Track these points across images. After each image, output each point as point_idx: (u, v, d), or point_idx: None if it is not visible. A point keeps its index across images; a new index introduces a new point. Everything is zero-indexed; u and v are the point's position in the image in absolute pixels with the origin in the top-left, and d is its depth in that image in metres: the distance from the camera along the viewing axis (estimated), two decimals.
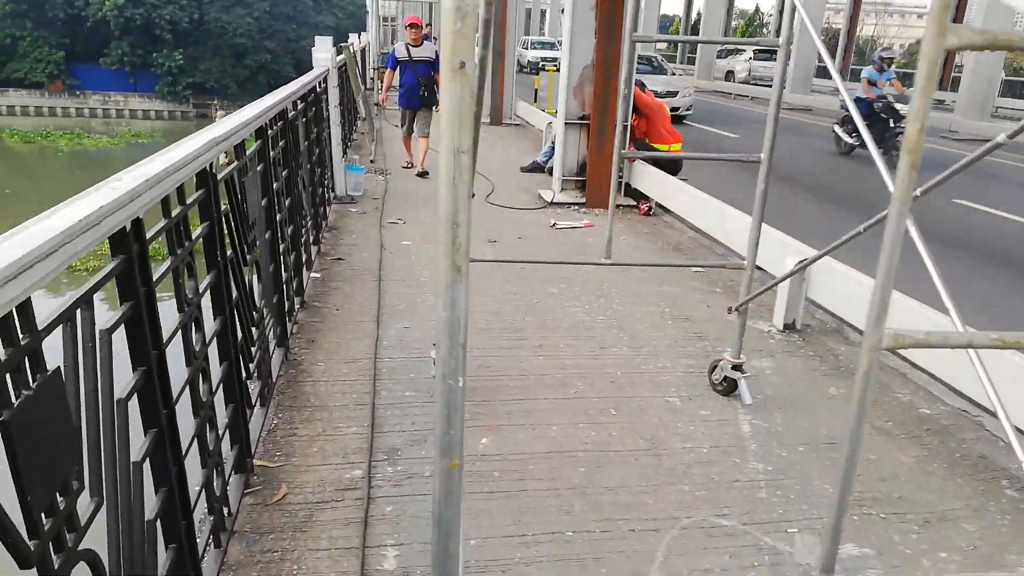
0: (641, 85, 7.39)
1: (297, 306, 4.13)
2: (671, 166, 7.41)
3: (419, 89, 7.81)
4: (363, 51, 14.14)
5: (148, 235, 1.66)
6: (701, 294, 4.86)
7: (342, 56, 8.37)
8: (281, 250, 3.56)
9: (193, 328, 2.05)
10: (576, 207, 7.04)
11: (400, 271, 5.03)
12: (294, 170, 4.18)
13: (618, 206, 7.36)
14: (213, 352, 2.30)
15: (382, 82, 9.00)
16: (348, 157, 8.08)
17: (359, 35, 12.83)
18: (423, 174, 8.19)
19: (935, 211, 8.65)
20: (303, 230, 4.45)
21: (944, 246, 6.98)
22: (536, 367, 3.65)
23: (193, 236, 2.10)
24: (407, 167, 8.57)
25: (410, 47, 7.80)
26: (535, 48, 32.99)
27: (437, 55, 7.77)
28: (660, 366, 3.73)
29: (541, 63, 32.04)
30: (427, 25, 14.68)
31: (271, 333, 3.31)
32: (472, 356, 3.71)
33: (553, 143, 8.60)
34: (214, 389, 2.24)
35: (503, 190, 7.60)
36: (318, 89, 5.88)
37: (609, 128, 6.96)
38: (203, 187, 2.25)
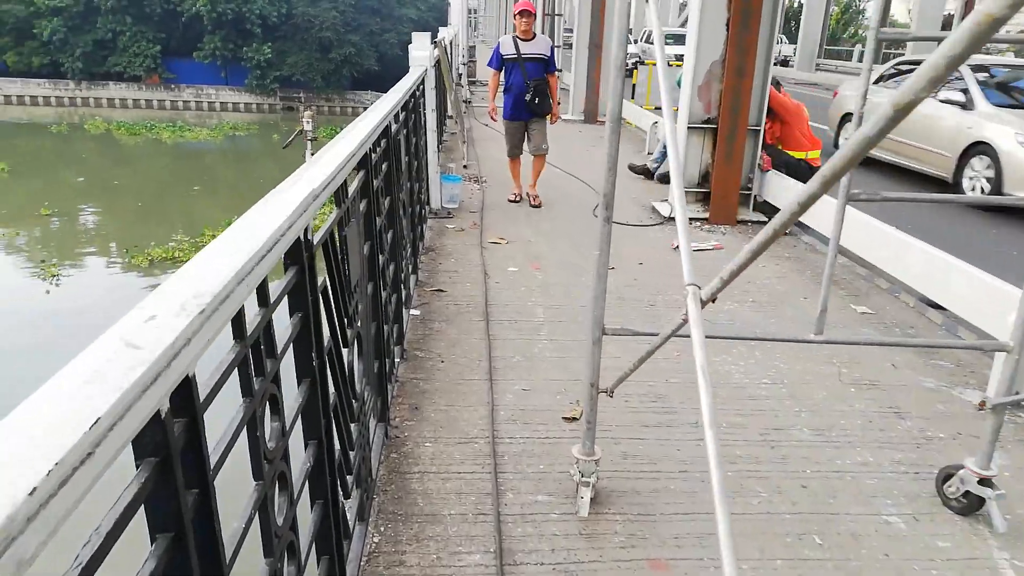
0: (776, 84, 6.40)
1: (397, 358, 3.43)
2: (806, 175, 6.41)
3: (528, 94, 6.12)
4: (450, 45, 13.50)
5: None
6: (878, 347, 3.92)
7: (435, 52, 7.67)
8: (383, 299, 2.86)
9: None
10: (699, 223, 6.14)
11: (510, 308, 4.27)
12: (396, 195, 3.46)
13: (747, 222, 6.46)
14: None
15: (470, 78, 8.24)
16: (442, 165, 7.40)
17: (447, 28, 12.14)
18: (536, 206, 6.57)
19: None
20: (403, 262, 3.75)
21: None
22: (697, 457, 2.83)
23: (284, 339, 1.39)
24: (515, 200, 6.66)
25: (519, 40, 6.10)
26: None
27: (553, 51, 6.38)
28: (860, 461, 2.85)
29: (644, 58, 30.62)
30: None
31: (371, 416, 2.60)
32: (610, 437, 2.92)
33: (665, 148, 7.72)
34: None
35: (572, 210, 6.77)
36: (416, 93, 5.19)
37: (739, 134, 6.03)
38: (296, 263, 1.54)
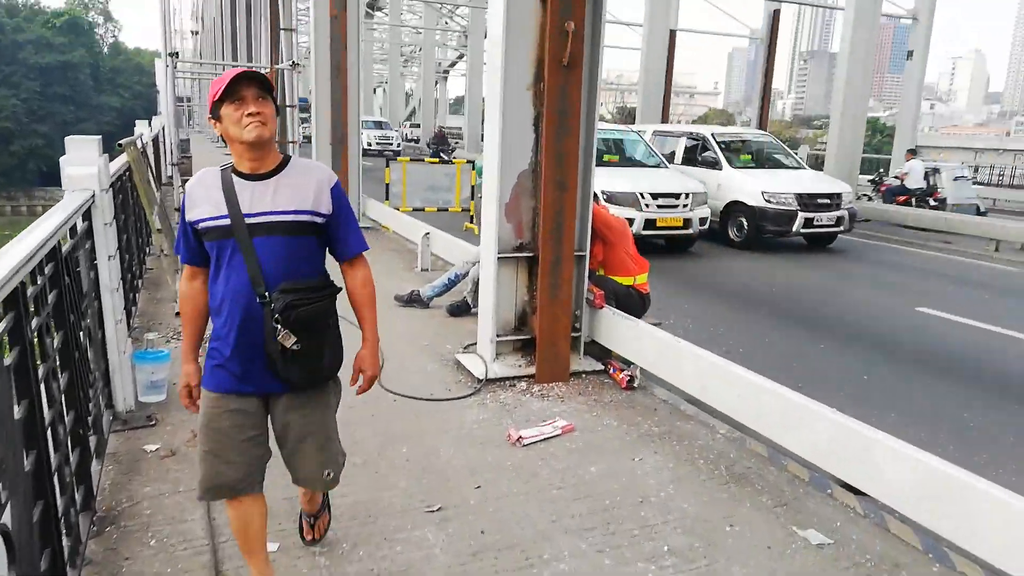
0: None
1: None
2: (637, 306, 5.09)
3: (274, 327, 2.09)
4: (156, 141, 10.81)
5: None
6: None
7: (123, 159, 5.29)
8: None
9: None
10: (524, 384, 4.44)
11: None
12: None
13: (581, 374, 4.91)
14: None
15: (184, 177, 5.42)
16: (137, 332, 4.95)
17: (149, 121, 9.54)
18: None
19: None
20: None
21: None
22: None
23: None
24: None
25: (239, 181, 2.10)
26: (367, 127, 29.86)
27: (340, 200, 2.24)
28: None
29: (376, 145, 29.41)
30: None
31: None
32: None
33: (454, 277, 6.02)
34: None
35: (390, 351, 4.85)
36: (74, 235, 2.93)
37: (565, 262, 4.51)
38: None
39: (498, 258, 4.48)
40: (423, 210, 10.99)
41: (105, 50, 51.89)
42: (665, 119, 20.16)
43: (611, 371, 4.61)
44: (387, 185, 10.61)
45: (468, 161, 11.47)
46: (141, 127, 9.06)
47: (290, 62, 11.08)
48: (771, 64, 26.13)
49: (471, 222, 11.30)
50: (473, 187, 11.16)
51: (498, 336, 4.58)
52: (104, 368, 3.51)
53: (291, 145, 11.53)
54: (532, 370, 4.52)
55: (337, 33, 9.45)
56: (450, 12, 36.75)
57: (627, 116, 37.61)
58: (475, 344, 5.04)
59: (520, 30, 4.27)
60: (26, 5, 47.45)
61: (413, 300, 5.99)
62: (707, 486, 3.30)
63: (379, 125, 33.59)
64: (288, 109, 11.42)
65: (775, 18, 25.61)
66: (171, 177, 10.83)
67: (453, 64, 47.23)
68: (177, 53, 10.35)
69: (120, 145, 5.27)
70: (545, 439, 3.68)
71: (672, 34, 19.60)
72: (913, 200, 14.55)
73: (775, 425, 3.40)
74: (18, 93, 45.50)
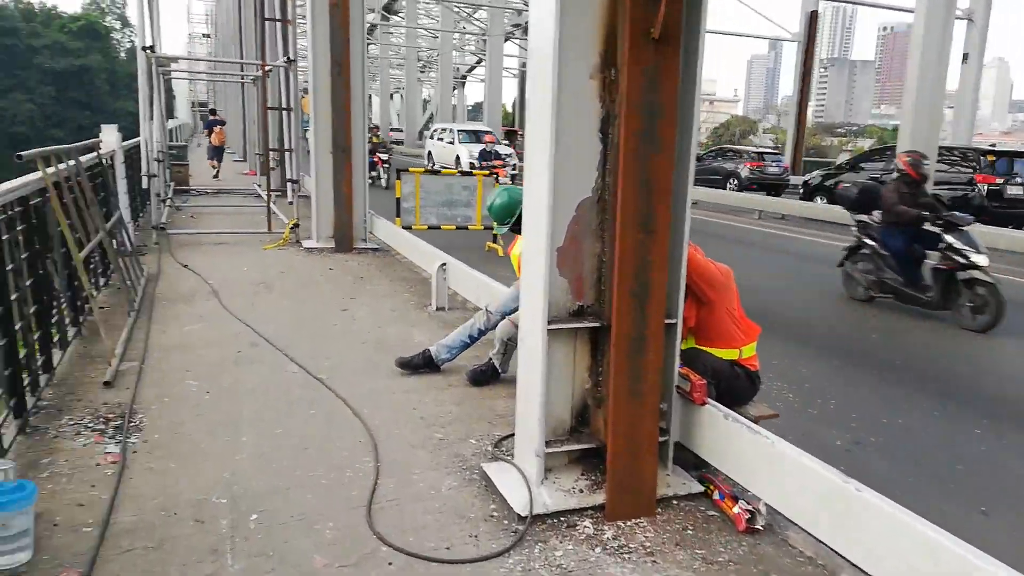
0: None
1: None
2: (745, 390, 3.53)
3: None
4: (133, 153, 9.38)
5: None
6: None
7: (36, 175, 3.84)
8: None
9: None
10: (589, 521, 2.90)
11: None
12: None
13: (670, 500, 3.23)
14: None
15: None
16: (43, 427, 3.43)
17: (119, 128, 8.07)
18: None
19: None
20: None
21: None
22: None
23: None
24: None
25: None
26: (464, 140, 21.50)
27: None
28: None
29: (479, 165, 16.59)
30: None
31: None
32: None
33: (476, 333, 4.49)
34: None
35: (389, 455, 3.34)
36: None
37: (652, 337, 2.95)
38: None
39: (548, 330, 2.92)
40: (439, 228, 9.50)
41: (122, 55, 51.04)
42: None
43: (716, 496, 3.05)
44: (398, 200, 9.11)
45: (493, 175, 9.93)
46: (108, 133, 7.58)
47: (285, 58, 9.60)
48: (808, 67, 24.48)
49: (494, 241, 9.79)
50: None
51: (548, 445, 3.02)
52: None
53: (287, 154, 10.06)
54: (600, 499, 2.97)
55: (338, 25, 7.97)
56: (467, 16, 35.37)
57: None
58: (510, 438, 3.53)
59: None
60: (42, 10, 46.63)
61: (423, 365, 4.46)
62: None
63: (477, 136, 21.68)
64: (284, 112, 9.93)
65: (812, 20, 23.96)
66: (146, 190, 9.36)
67: (471, 69, 45.88)
68: (153, 47, 8.88)
69: (20, 157, 3.78)
70: None
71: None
72: None
73: None
74: (34, 98, 44.87)
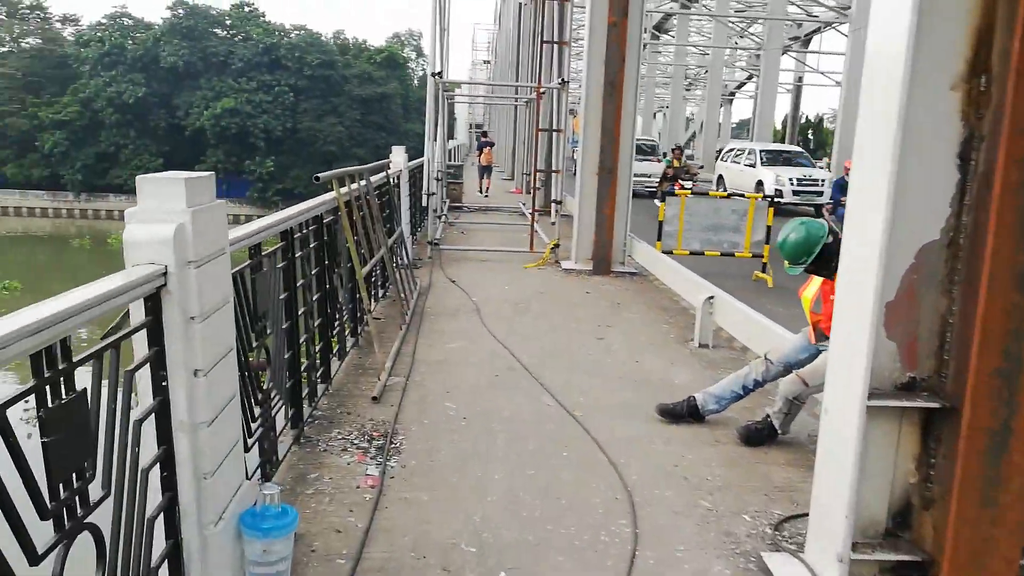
0: None
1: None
2: None
3: None
4: (416, 172, 10.05)
5: None
6: None
7: (330, 195, 4.04)
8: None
9: None
10: None
11: None
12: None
13: None
14: None
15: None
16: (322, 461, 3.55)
17: (403, 151, 8.64)
18: None
19: None
20: None
21: None
22: None
23: None
24: None
25: None
26: (769, 161, 17.80)
27: None
28: None
29: (796, 193, 16.29)
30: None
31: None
32: None
33: (751, 384, 3.90)
34: None
35: (647, 521, 2.92)
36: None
37: (1020, 429, 2.20)
38: None
39: (867, 406, 2.30)
40: (702, 254, 8.88)
41: (415, 82, 56.92)
42: None
43: None
44: (660, 223, 8.67)
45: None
46: (397, 154, 8.17)
47: (559, 80, 9.67)
48: None
49: (763, 271, 8.93)
50: (769, 227, 8.78)
51: (855, 550, 2.39)
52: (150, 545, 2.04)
53: (554, 175, 10.13)
54: None
55: (615, 43, 7.77)
56: (742, 31, 33.85)
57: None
58: (793, 520, 2.93)
59: None
60: (355, 44, 53.65)
61: (686, 415, 3.96)
62: None
63: (787, 159, 18.27)
64: (555, 134, 10.00)
65: None
66: (425, 207, 9.98)
67: (740, 85, 43.96)
68: (441, 73, 9.45)
69: (317, 179, 4.02)
70: None
71: None
72: None
73: None
74: (343, 121, 51.13)
